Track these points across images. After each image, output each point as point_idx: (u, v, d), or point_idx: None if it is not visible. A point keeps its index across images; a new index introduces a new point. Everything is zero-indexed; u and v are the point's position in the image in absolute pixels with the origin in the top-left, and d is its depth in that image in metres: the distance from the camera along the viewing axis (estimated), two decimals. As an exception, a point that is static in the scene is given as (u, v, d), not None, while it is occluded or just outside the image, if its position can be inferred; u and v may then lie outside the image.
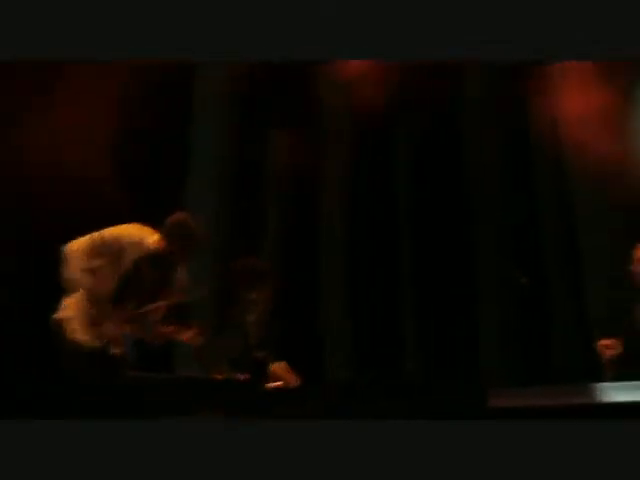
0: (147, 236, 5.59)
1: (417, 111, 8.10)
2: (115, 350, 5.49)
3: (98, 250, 5.55)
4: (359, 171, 8.31)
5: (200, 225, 5.70)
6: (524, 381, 7.25)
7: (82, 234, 5.67)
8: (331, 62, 7.72)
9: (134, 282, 5.50)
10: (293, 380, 5.57)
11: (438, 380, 5.85)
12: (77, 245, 5.61)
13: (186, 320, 5.63)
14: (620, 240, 7.18)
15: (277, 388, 5.44)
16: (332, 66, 7.83)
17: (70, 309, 5.51)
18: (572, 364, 7.58)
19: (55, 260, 5.64)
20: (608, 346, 5.93)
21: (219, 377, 5.36)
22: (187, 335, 5.60)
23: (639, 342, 5.88)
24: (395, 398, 4.63)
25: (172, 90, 7.73)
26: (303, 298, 7.86)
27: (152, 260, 5.53)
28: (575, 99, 7.64)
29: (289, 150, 8.18)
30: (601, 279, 7.60)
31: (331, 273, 8.30)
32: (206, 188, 8.05)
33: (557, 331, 7.86)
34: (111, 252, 5.52)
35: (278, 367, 5.65)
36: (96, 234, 5.60)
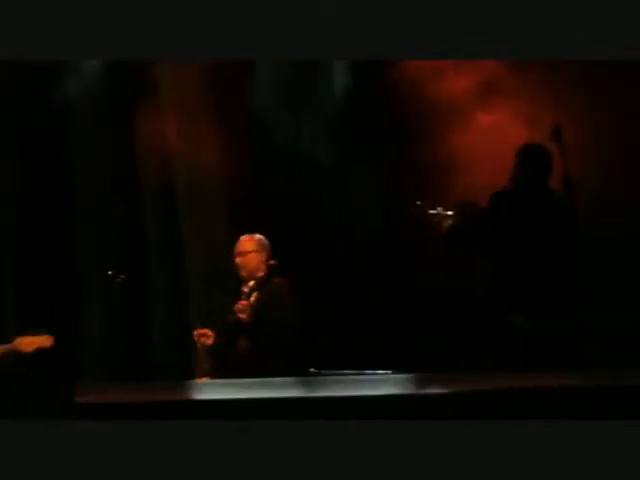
0: None
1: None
2: None
3: None
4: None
5: None
6: (119, 377, 7.21)
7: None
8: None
9: None
10: None
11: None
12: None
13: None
14: (220, 232, 7.35)
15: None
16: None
17: None
18: (171, 360, 7.62)
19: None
20: (205, 335, 6.13)
21: None
22: None
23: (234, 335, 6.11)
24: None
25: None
26: None
27: None
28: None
29: None
30: (202, 272, 7.71)
31: None
32: None
33: (157, 327, 7.85)
34: None
35: None
36: None
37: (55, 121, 7.84)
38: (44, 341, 5.81)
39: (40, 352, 5.78)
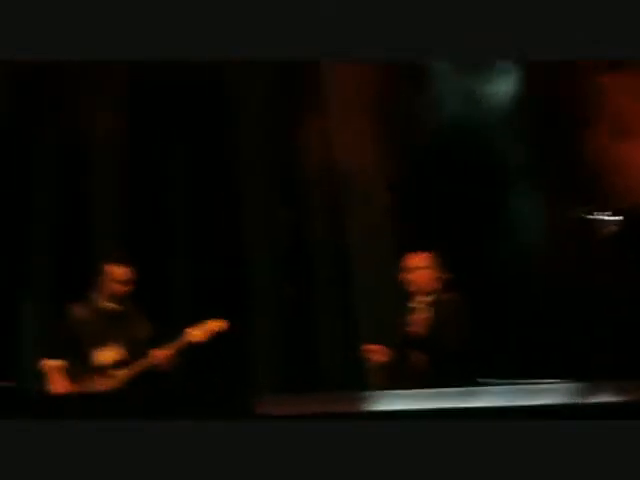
0: None
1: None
2: None
3: None
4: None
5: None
6: (293, 389, 7.32)
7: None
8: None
9: None
10: None
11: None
12: None
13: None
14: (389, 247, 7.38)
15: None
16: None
17: None
18: (341, 372, 7.70)
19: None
20: (375, 351, 6.10)
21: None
22: None
23: (409, 350, 6.06)
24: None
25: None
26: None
27: None
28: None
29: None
30: (371, 286, 7.75)
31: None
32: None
33: (326, 339, 7.95)
34: None
35: None
36: None
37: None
38: (215, 326, 5.99)
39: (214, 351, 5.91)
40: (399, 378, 5.98)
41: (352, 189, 7.81)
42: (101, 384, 5.92)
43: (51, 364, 5.99)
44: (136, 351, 6.01)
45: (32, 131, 8.03)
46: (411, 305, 6.17)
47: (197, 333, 5.98)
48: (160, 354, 5.95)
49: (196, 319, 6.09)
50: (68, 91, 7.95)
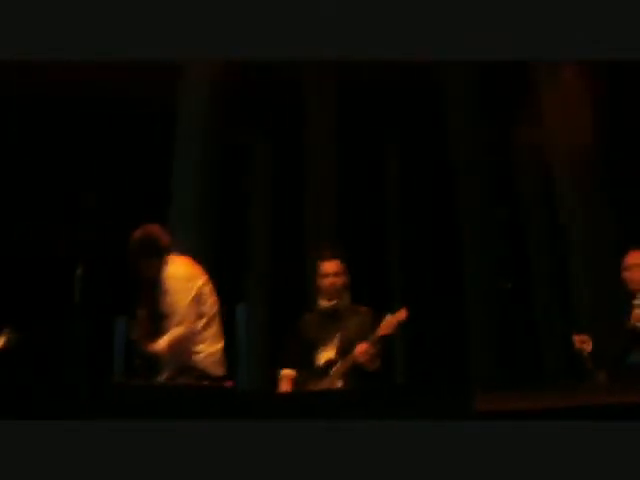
0: None
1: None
2: None
3: None
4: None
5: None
6: (511, 384, 7.23)
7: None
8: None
9: None
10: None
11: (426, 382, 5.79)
12: None
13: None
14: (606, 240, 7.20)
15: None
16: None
17: None
18: (559, 367, 7.57)
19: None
20: (583, 340, 6.04)
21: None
22: None
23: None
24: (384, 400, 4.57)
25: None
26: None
27: None
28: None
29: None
30: (588, 282, 7.59)
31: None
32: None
33: (543, 331, 7.83)
34: None
35: None
36: None
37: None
38: (400, 316, 5.86)
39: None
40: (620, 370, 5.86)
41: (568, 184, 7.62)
42: (319, 385, 5.89)
43: (285, 373, 6.01)
44: (350, 347, 5.94)
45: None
46: (635, 302, 6.06)
47: (387, 325, 5.87)
48: (360, 349, 5.86)
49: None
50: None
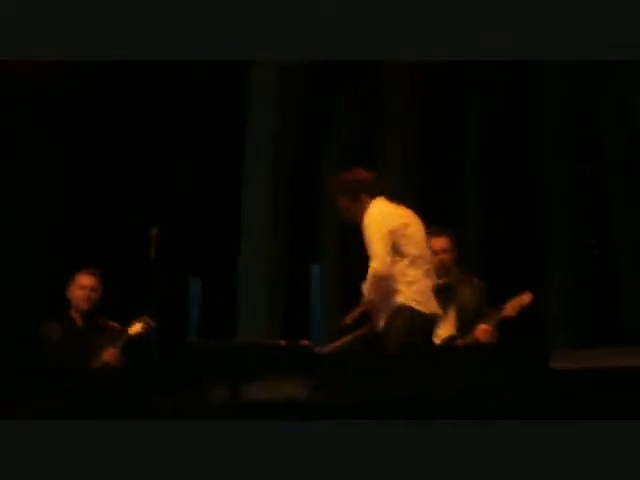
0: None
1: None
2: None
3: None
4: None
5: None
6: (590, 343, 7.15)
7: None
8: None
9: None
10: None
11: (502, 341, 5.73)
12: None
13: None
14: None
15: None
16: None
17: None
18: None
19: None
20: None
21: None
22: None
23: None
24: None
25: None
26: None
27: None
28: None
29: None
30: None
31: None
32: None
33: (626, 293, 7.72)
34: None
35: None
36: None
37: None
38: (525, 300, 5.75)
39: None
40: None
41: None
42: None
43: None
44: (465, 325, 5.85)
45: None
46: None
47: (511, 307, 5.78)
48: (483, 329, 5.76)
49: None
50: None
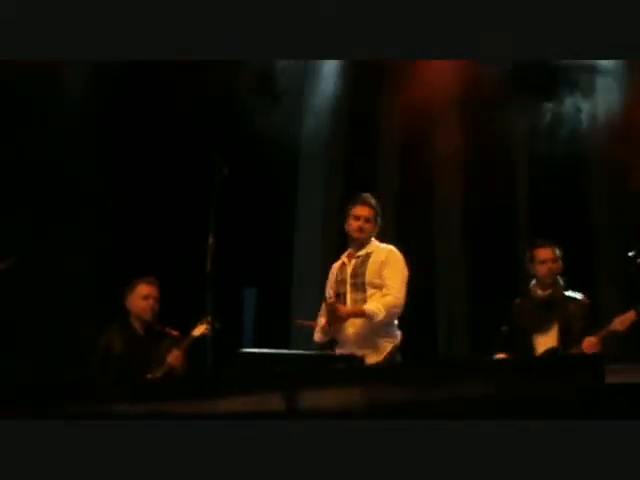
0: None
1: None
2: None
3: None
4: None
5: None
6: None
7: None
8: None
9: None
10: None
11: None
12: None
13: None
14: None
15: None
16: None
17: None
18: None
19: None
20: None
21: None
22: None
23: None
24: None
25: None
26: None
27: None
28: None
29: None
30: None
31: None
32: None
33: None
34: None
35: None
36: None
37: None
38: (632, 316, 5.78)
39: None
40: None
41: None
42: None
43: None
44: (570, 338, 5.93)
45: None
46: None
47: (620, 322, 5.81)
48: (589, 343, 5.83)
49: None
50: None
